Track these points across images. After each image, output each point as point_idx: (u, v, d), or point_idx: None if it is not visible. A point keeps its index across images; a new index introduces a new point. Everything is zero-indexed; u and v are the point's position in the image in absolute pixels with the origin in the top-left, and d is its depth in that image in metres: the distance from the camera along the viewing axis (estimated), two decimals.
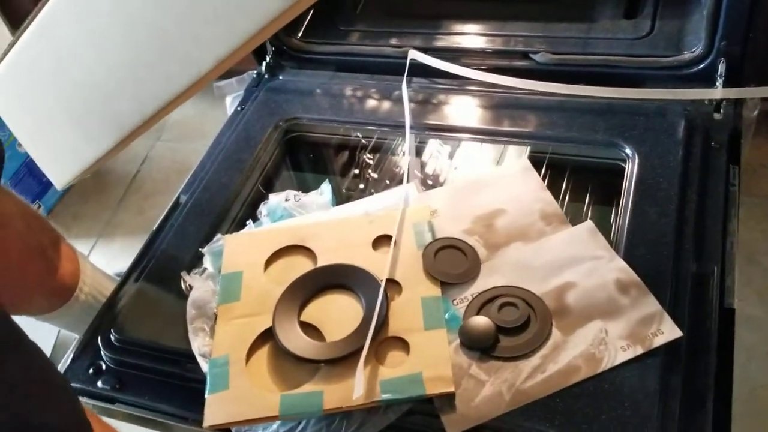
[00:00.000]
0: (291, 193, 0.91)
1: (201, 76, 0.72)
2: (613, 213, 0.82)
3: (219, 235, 0.88)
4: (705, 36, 0.89)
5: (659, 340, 0.66)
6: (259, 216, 0.91)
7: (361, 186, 0.98)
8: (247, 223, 0.90)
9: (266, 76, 1.14)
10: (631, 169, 0.83)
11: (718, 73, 0.89)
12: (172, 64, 0.73)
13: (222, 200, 0.95)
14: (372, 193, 0.93)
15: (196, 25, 0.69)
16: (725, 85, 0.88)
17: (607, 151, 0.88)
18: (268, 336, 0.75)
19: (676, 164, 0.82)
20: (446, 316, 0.73)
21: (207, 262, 0.86)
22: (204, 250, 0.86)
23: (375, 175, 0.98)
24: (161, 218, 0.96)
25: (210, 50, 0.70)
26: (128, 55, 0.75)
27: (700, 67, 0.90)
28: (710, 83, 0.90)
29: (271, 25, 0.67)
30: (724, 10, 0.84)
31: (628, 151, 0.86)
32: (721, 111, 0.88)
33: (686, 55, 0.92)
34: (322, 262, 0.81)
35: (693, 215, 0.77)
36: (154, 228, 0.95)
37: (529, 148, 0.92)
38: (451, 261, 0.78)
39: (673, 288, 0.71)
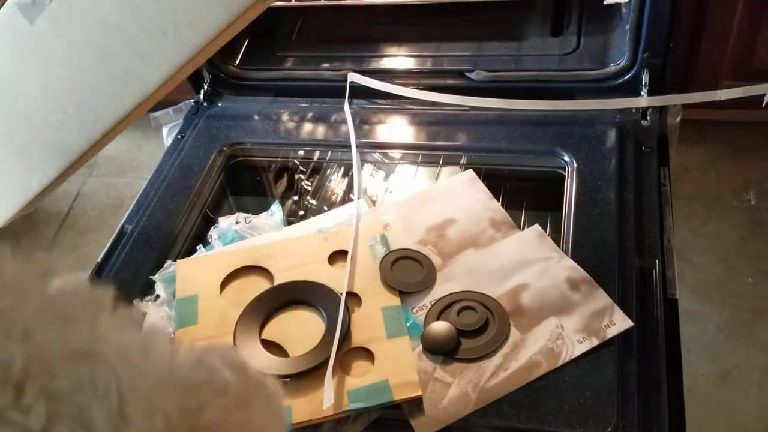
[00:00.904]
0: (241, 216, 0.91)
1: (148, 95, 0.72)
2: (557, 217, 0.86)
3: (170, 261, 0.87)
4: (629, 49, 0.94)
5: (612, 331, 0.70)
6: (209, 240, 0.90)
7: (301, 211, 0.98)
8: (198, 247, 0.90)
9: (205, 104, 1.14)
10: (571, 175, 0.88)
11: (643, 83, 0.94)
12: (118, 85, 0.72)
13: (169, 227, 0.94)
14: (310, 217, 0.94)
15: (142, 43, 0.69)
16: (650, 93, 0.94)
17: (546, 159, 0.92)
18: None
19: (611, 168, 0.87)
20: (408, 324, 0.74)
21: (159, 289, 0.85)
22: (155, 277, 0.85)
23: (314, 201, 0.99)
24: (106, 249, 0.93)
25: (157, 67, 0.70)
26: (72, 79, 0.74)
27: (626, 78, 0.96)
28: (636, 93, 0.95)
29: (217, 38, 0.68)
30: (645, 24, 0.90)
31: (566, 158, 0.90)
32: (648, 118, 0.94)
33: (612, 68, 0.98)
34: (279, 280, 0.81)
35: (632, 214, 0.82)
36: (99, 258, 0.92)
37: (472, 160, 0.96)
38: (407, 271, 0.80)
39: (619, 282, 0.75)
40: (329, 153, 1.04)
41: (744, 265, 1.18)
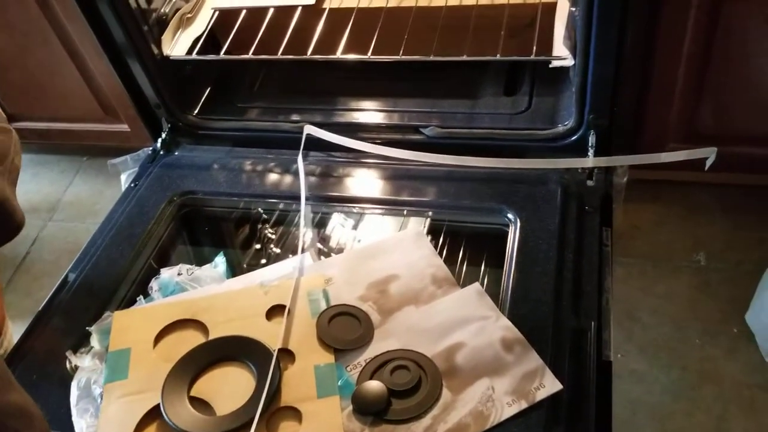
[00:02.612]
0: (184, 267, 0.90)
1: None
2: (500, 274, 0.86)
3: (108, 313, 0.85)
4: (575, 110, 0.96)
5: (542, 394, 0.69)
6: (150, 292, 0.89)
7: (263, 261, 0.98)
8: (138, 299, 0.88)
9: (162, 152, 1.14)
10: (514, 233, 0.88)
11: (590, 144, 0.96)
12: None
13: (112, 277, 0.93)
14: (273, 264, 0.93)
15: None
16: (596, 154, 0.96)
17: (492, 216, 0.93)
18: (156, 413, 0.72)
19: (554, 227, 0.87)
20: (339, 383, 0.73)
21: (94, 341, 0.83)
22: (91, 329, 0.84)
23: (276, 249, 0.99)
24: (48, 298, 0.92)
25: None
26: None
27: (573, 138, 0.97)
28: (583, 153, 0.96)
29: None
30: (590, 87, 0.92)
31: (510, 216, 0.90)
32: (593, 178, 0.94)
33: (560, 128, 0.99)
34: (214, 335, 0.80)
35: (571, 274, 0.82)
36: (40, 308, 0.91)
37: (429, 217, 0.96)
38: (344, 328, 0.79)
39: (553, 343, 0.74)
40: (284, 204, 1.04)
41: (693, 326, 1.18)
